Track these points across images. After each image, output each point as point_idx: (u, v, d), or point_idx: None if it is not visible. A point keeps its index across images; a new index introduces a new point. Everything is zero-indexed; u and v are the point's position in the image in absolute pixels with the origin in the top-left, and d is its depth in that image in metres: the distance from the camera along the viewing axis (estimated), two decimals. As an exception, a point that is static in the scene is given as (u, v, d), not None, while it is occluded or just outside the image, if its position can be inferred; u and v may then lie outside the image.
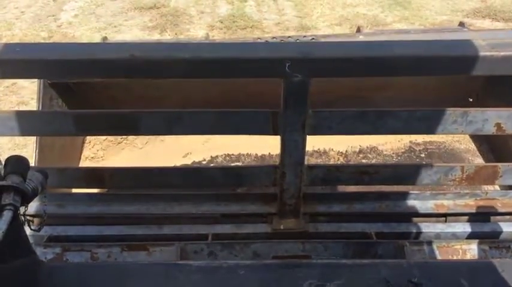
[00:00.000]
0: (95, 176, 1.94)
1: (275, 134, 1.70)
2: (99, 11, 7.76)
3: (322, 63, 1.52)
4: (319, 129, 1.70)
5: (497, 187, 2.33)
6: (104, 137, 3.03)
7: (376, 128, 1.72)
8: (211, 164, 2.70)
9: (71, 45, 1.66)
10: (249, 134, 1.82)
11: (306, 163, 1.81)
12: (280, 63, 1.48)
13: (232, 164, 2.73)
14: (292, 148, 1.72)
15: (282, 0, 8.21)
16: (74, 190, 2.40)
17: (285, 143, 1.71)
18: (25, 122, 1.71)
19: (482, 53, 1.48)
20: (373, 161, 2.86)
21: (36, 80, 2.33)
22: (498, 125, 1.70)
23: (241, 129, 1.76)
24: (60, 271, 1.44)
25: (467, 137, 3.03)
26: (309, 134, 1.69)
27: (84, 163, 2.84)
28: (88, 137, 2.98)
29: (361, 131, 1.76)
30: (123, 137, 3.11)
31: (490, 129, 1.71)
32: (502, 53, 1.48)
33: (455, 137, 3.08)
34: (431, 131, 1.75)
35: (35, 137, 2.31)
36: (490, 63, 1.50)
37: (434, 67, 1.56)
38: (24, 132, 1.79)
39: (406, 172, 1.92)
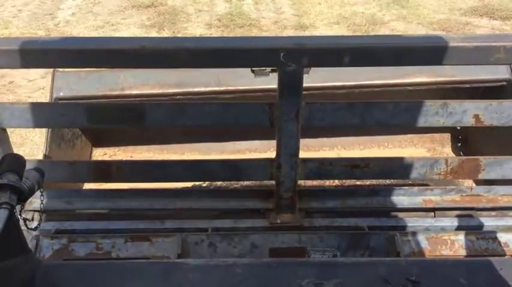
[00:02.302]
0: (102, 169, 2.03)
1: (272, 126, 1.81)
2: (97, 9, 7.75)
3: (314, 53, 1.64)
4: (312, 121, 1.81)
5: (480, 184, 2.45)
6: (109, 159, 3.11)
7: (364, 119, 1.83)
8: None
9: (86, 38, 1.92)
10: (248, 125, 1.98)
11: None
12: (276, 53, 1.60)
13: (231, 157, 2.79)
14: (288, 138, 1.82)
15: (280, -2, 8.21)
16: (81, 186, 2.56)
17: (280, 134, 1.81)
18: (40, 114, 1.83)
19: (454, 44, 1.60)
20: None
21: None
22: (476, 117, 1.81)
23: (240, 120, 1.86)
24: (56, 270, 1.44)
25: (452, 153, 3.18)
26: (302, 125, 1.78)
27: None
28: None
29: (351, 122, 1.86)
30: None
31: (469, 120, 1.82)
32: (474, 44, 1.60)
33: (443, 154, 3.18)
34: (415, 122, 1.84)
35: (43, 151, 2.46)
36: (462, 53, 1.62)
37: (412, 57, 1.69)
38: (40, 124, 1.95)
39: (394, 166, 2.01)
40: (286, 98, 1.72)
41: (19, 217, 1.35)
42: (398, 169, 2.00)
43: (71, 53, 1.64)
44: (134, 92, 2.61)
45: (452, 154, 3.20)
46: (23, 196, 1.25)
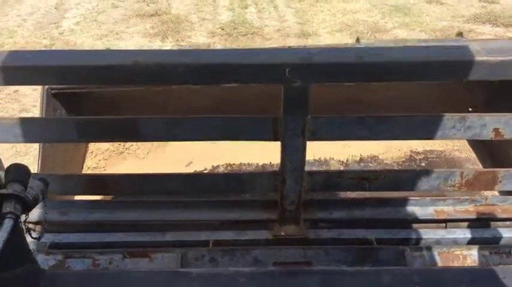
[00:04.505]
0: (98, 183, 1.96)
1: (275, 139, 1.71)
2: (101, 18, 7.81)
3: (322, 69, 1.53)
4: (319, 135, 1.72)
5: (496, 193, 2.33)
6: (106, 147, 3.03)
7: (375, 133, 1.73)
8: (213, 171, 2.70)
9: (75, 53, 1.73)
10: (250, 140, 1.83)
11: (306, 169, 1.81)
12: (280, 69, 1.49)
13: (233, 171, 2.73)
14: (292, 154, 1.73)
15: (283, 6, 8.25)
16: (76, 197, 2.40)
17: (285, 149, 1.72)
18: (29, 129, 1.73)
19: (478, 58, 1.50)
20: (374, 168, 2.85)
21: (38, 87, 2.33)
22: (496, 131, 1.72)
23: (241, 135, 1.77)
24: (61, 279, 1.44)
25: (467, 146, 3.00)
26: (308, 140, 1.70)
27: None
28: (90, 148, 2.98)
29: (361, 136, 1.77)
30: (125, 147, 3.11)
31: (488, 134, 1.72)
32: (499, 58, 1.51)
33: (455, 146, 3.08)
34: (430, 136, 1.76)
35: (38, 147, 2.31)
36: (486, 68, 1.52)
37: (432, 72, 1.57)
38: (28, 139, 1.81)
39: (406, 178, 1.92)
40: (291, 113, 1.62)
41: (23, 226, 1.35)
42: (410, 181, 1.91)
43: (56, 70, 1.54)
44: None
45: (467, 146, 3.01)
46: (27, 206, 1.26)
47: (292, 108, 1.61)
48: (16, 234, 1.21)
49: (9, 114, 4.88)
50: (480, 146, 2.69)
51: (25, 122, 1.74)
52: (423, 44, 2.50)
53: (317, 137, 1.72)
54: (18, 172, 1.28)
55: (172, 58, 1.59)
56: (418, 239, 1.98)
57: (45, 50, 2.75)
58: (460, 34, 2.67)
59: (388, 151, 3.00)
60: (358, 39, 2.65)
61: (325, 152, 2.90)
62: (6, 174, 1.26)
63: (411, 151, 3.03)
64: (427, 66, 1.54)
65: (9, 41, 6.90)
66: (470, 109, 2.71)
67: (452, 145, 3.08)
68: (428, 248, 1.90)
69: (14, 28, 7.40)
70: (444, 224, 2.02)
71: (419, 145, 3.06)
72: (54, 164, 2.40)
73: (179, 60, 1.56)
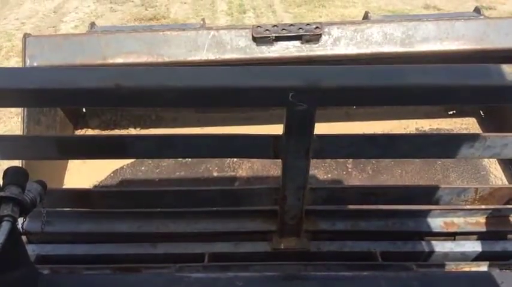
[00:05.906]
0: (84, 198, 1.88)
1: (276, 158, 1.60)
2: (99, 22, 7.73)
3: (330, 93, 1.38)
4: (325, 154, 1.62)
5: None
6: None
7: (386, 152, 1.62)
8: (211, 187, 2.53)
9: (49, 72, 1.49)
10: (249, 157, 1.74)
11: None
12: (283, 93, 1.35)
13: (230, 187, 2.55)
14: (295, 173, 1.63)
15: (281, 12, 8.26)
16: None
17: (287, 169, 1.61)
18: (8, 147, 1.62)
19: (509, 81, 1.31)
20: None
21: None
22: None
23: (240, 153, 1.67)
24: (58, 282, 1.44)
25: (476, 125, 2.83)
26: (313, 158, 1.58)
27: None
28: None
29: (371, 155, 1.67)
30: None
31: (509, 153, 1.61)
32: None
33: (463, 125, 2.99)
34: (446, 155, 1.69)
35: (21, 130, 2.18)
36: None
37: (457, 97, 1.40)
38: (8, 156, 1.68)
39: (416, 194, 1.84)
40: (295, 135, 1.50)
41: (21, 229, 1.35)
42: (420, 197, 1.83)
43: (27, 93, 1.34)
44: (118, 60, 2.24)
45: (476, 124, 2.82)
46: (25, 209, 1.26)
47: (295, 130, 1.49)
48: (14, 237, 1.21)
49: (7, 116, 4.89)
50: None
51: (4, 139, 1.67)
52: (437, 23, 2.32)
53: (323, 155, 1.62)
54: (16, 174, 1.28)
55: (160, 81, 1.37)
56: (425, 253, 1.91)
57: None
58: (477, 10, 2.53)
59: (394, 129, 2.90)
60: (366, 15, 2.52)
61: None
62: (4, 177, 1.26)
63: (417, 129, 2.94)
64: (451, 92, 1.36)
65: (7, 44, 6.89)
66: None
67: (460, 124, 3.01)
68: (436, 266, 1.82)
69: (13, 31, 7.39)
70: (453, 237, 1.94)
71: (425, 123, 2.98)
72: (37, 175, 2.30)
73: (168, 83, 1.35)
